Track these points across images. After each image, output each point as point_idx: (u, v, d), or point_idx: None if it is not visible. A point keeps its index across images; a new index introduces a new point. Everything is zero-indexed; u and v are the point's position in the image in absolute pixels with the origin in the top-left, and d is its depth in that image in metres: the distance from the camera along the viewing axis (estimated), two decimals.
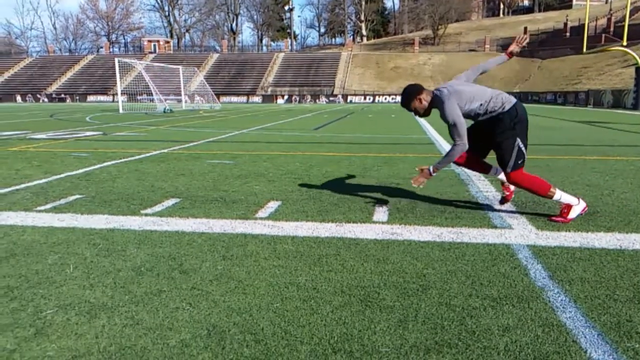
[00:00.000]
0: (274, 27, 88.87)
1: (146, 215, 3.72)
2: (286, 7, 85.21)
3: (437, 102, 3.50)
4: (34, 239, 3.11)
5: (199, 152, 7.74)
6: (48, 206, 3.97)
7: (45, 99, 53.81)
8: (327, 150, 7.99)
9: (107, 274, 2.54)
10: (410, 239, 3.12)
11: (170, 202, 4.13)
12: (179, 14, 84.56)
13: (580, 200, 3.55)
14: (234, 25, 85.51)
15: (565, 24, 58.45)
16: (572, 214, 3.50)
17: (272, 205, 4.02)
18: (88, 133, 11.45)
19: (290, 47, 70.62)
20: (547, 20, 67.89)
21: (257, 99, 52.70)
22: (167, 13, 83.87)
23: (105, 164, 6.34)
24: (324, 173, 5.61)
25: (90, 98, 52.80)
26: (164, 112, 22.82)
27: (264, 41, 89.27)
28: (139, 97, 34.93)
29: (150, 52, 66.36)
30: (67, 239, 3.12)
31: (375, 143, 9.04)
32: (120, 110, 23.62)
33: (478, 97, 3.46)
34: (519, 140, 3.44)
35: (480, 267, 2.64)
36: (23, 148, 8.21)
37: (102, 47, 74.28)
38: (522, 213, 3.76)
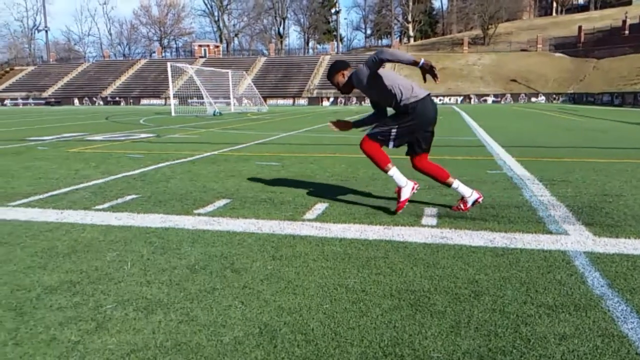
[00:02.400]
0: (320, 30, 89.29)
1: (199, 215, 3.83)
2: (333, 10, 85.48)
3: (355, 74, 3.67)
4: (93, 237, 3.26)
5: (247, 154, 7.88)
6: (106, 205, 4.15)
7: (101, 102, 56.17)
8: None
9: (163, 272, 2.63)
10: (461, 243, 3.07)
11: (221, 203, 4.22)
12: (228, 19, 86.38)
13: (408, 182, 3.78)
14: (281, 29, 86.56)
15: (624, 22, 55.76)
16: (404, 195, 3.74)
17: (319, 207, 4.04)
18: (142, 135, 11.87)
19: (336, 50, 70.74)
20: (604, 18, 64.98)
21: (303, 101, 53.08)
22: (216, 18, 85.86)
23: (160, 165, 6.55)
24: (370, 175, 5.59)
25: (144, 101, 54.69)
26: (214, 115, 23.35)
27: (310, 44, 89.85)
28: (189, 100, 35.95)
29: (201, 57, 68.09)
30: (125, 237, 3.25)
31: None
32: (173, 113, 24.35)
33: (393, 82, 3.66)
34: (397, 125, 3.65)
35: (535, 273, 2.56)
36: (81, 149, 8.60)
37: (154, 52, 76.87)
38: (578, 219, 3.62)
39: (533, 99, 47.89)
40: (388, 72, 3.72)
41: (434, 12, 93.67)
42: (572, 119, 17.91)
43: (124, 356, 1.78)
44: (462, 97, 50.08)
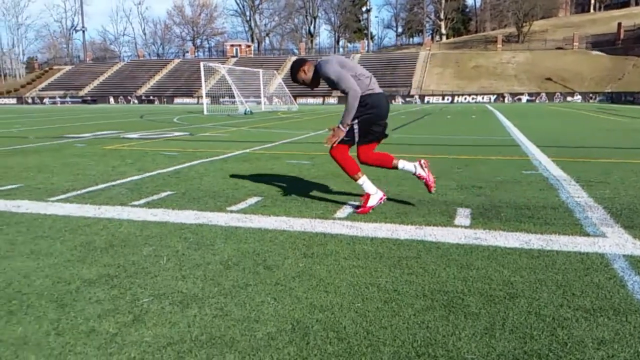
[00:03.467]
0: (350, 29, 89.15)
1: (231, 212, 3.88)
2: (364, 8, 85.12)
3: (318, 69, 3.75)
4: (130, 232, 3.34)
5: (278, 152, 7.93)
6: (142, 201, 4.25)
7: (135, 101, 57.47)
8: (404, 151, 7.89)
9: (198, 267, 2.68)
10: (495, 244, 3.02)
11: (253, 200, 4.27)
12: (260, 19, 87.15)
13: (378, 191, 3.87)
14: (311, 28, 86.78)
15: None
16: (371, 202, 3.82)
17: (350, 206, 4.04)
18: (176, 133, 12.09)
19: (366, 48, 70.45)
20: None
21: (332, 100, 53.08)
22: (248, 18, 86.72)
23: (193, 162, 6.67)
24: (401, 175, 5.54)
25: (177, 100, 55.69)
26: (245, 113, 23.59)
27: (340, 43, 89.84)
28: (221, 99, 36.39)
29: (233, 56, 68.89)
30: (160, 233, 3.32)
31: (455, 145, 8.82)
32: (205, 112, 24.72)
33: (352, 74, 3.70)
34: (357, 120, 3.73)
35: (572, 276, 2.50)
36: (117, 147, 8.82)
37: (187, 52, 78.19)
38: (616, 221, 3.51)
39: (569, 99, 46.68)
40: (349, 64, 3.80)
41: (467, 10, 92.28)
42: (613, 119, 17.38)
43: (161, 349, 1.82)
44: (495, 96, 49.21)
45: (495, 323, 2.01)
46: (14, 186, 4.97)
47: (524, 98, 47.89)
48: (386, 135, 4.05)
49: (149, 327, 2.00)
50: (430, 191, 4.02)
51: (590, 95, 45.86)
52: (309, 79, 3.85)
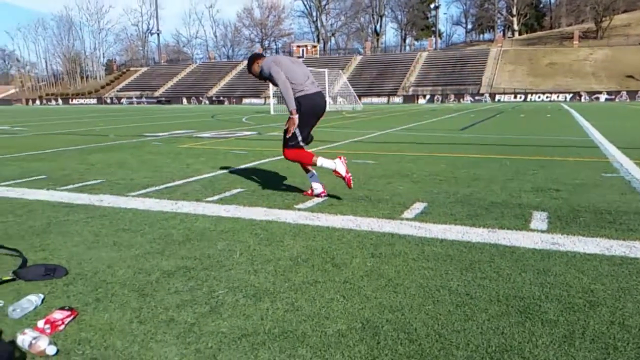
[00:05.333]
0: (418, 26, 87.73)
1: (299, 210, 3.94)
2: (431, 5, 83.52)
3: (264, 69, 4.14)
4: (205, 227, 3.48)
5: (343, 151, 7.96)
6: (215, 198, 4.41)
7: (206, 102, 59.60)
8: (475, 151, 7.68)
9: (269, 262, 2.74)
10: (574, 250, 2.88)
11: (320, 199, 4.31)
12: (326, 19, 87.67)
13: (337, 160, 4.18)
14: (378, 26, 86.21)
15: None
16: (342, 172, 4.15)
17: (418, 207, 3.99)
18: (245, 132, 12.43)
19: (434, 46, 69.04)
20: None
21: (397, 99, 52.51)
22: (314, 18, 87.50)
23: (262, 160, 6.83)
24: (472, 175, 5.41)
25: (245, 101, 57.19)
26: None
27: (407, 41, 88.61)
28: None
29: (299, 57, 69.77)
30: (233, 228, 3.43)
31: (529, 145, 8.46)
32: (272, 112, 25.23)
33: (291, 77, 4.07)
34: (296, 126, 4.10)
35: None
36: (191, 145, 9.20)
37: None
38: None
39: None
40: (288, 65, 4.14)
41: (541, 5, 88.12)
42: None
43: (236, 340, 1.89)
44: (571, 95, 46.74)
45: (575, 332, 1.92)
46: (97, 181, 5.31)
47: (602, 97, 45.10)
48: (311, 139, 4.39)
49: (224, 318, 2.07)
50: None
51: None
52: (257, 72, 4.26)
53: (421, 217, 3.67)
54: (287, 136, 4.17)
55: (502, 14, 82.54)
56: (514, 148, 8.08)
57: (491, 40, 73.88)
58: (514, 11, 77.39)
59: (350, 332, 1.93)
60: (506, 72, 54.74)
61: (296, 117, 4.07)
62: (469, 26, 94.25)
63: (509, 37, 73.92)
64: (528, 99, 47.46)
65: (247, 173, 5.79)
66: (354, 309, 2.14)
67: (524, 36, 74.59)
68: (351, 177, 4.22)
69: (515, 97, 48.34)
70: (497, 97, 48.87)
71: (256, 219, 3.65)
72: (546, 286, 2.36)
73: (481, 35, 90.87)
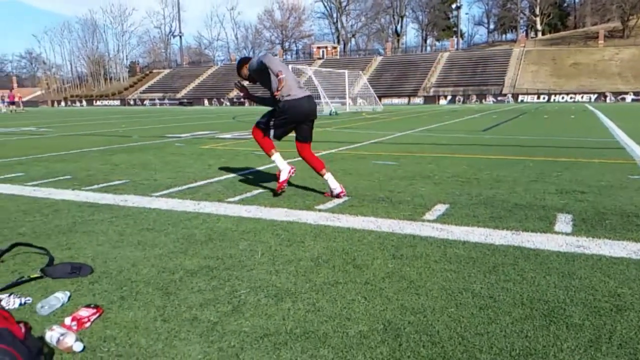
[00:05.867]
0: (439, 27, 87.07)
1: (320, 211, 3.95)
2: (453, 6, 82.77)
3: (252, 63, 4.40)
4: (227, 227, 3.51)
5: (364, 152, 7.95)
6: (236, 198, 4.44)
7: (227, 103, 60.08)
8: (497, 152, 7.59)
9: (290, 262, 2.76)
10: (600, 253, 2.82)
11: (340, 200, 4.31)
12: (346, 20, 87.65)
13: (287, 166, 4.46)
14: (398, 27, 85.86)
15: None
16: (282, 177, 4.39)
17: (440, 208, 3.96)
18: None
19: (455, 46, 68.40)
20: None
21: (418, 100, 52.19)
22: (335, 20, 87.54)
23: None
24: (494, 177, 5.35)
25: None
26: (330, 114, 23.85)
27: (428, 41, 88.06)
28: None
29: (319, 58, 69.90)
30: (254, 228, 3.45)
31: (553, 146, 8.33)
32: None
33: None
34: (273, 118, 4.45)
35: None
36: (213, 146, 9.29)
37: (276, 55, 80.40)
38: None
39: None
40: (279, 67, 4.25)
41: (565, 4, 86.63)
42: None
43: (258, 339, 1.90)
44: (595, 95, 45.85)
45: (601, 336, 1.89)
46: (121, 182, 5.40)
47: (629, 97, 44.11)
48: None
49: (246, 317, 2.09)
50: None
51: None
52: (247, 73, 4.53)
53: (443, 219, 3.64)
54: (263, 119, 4.50)
55: (525, 14, 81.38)
56: (538, 149, 7.96)
57: (513, 41, 72.91)
58: (537, 11, 76.24)
59: (372, 334, 1.93)
60: (529, 72, 53.97)
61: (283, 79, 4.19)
62: (491, 26, 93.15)
63: (532, 37, 72.86)
64: (551, 100, 46.70)
65: (268, 174, 5.82)
66: (375, 311, 2.13)
67: (548, 36, 73.41)
68: (283, 186, 4.47)
69: (538, 97, 47.61)
70: (520, 97, 48.20)
71: (277, 220, 3.67)
72: (571, 290, 2.32)
73: (503, 36, 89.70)
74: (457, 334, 1.93)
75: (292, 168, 4.47)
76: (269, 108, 4.64)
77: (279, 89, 4.17)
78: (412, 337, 1.90)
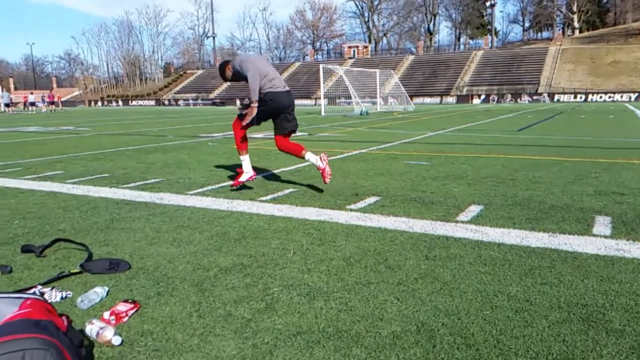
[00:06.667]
0: (473, 25, 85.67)
1: (351, 210, 3.94)
2: (487, 3, 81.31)
3: (234, 65, 4.66)
4: (259, 225, 3.54)
5: (395, 152, 7.90)
6: (268, 197, 4.48)
7: None
8: (533, 153, 7.43)
9: (322, 261, 2.77)
10: None
11: (371, 200, 4.30)
12: (378, 19, 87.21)
13: (251, 171, 4.75)
14: (431, 25, 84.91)
15: None
16: (242, 178, 4.71)
17: (474, 209, 3.90)
18: (296, 134, 12.53)
19: (490, 44, 67.17)
20: None
21: (451, 99, 51.50)
22: (366, 19, 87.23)
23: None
24: (530, 178, 5.23)
25: (296, 102, 57.61)
26: (361, 114, 23.77)
27: (461, 40, 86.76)
28: (337, 100, 37.05)
29: (350, 58, 69.77)
30: (286, 227, 3.48)
31: (591, 147, 8.10)
32: (322, 113, 25.33)
33: (262, 73, 4.52)
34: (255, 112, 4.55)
35: None
36: None
37: (307, 55, 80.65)
38: None
39: None
40: (258, 63, 4.60)
41: (604, 1, 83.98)
42: None
43: (291, 337, 1.91)
44: (636, 95, 44.30)
45: None
46: (157, 180, 5.52)
47: None
48: (294, 130, 4.80)
49: (279, 315, 2.11)
50: (325, 181, 4.60)
51: None
52: (230, 74, 4.72)
53: (477, 220, 3.59)
54: (244, 111, 4.65)
55: (561, 11, 79.31)
56: (575, 150, 7.75)
57: (549, 39, 71.11)
58: (575, 8, 74.16)
59: (405, 335, 1.92)
60: (566, 71, 52.56)
61: (255, 107, 4.48)
62: (526, 24, 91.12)
63: (568, 35, 70.92)
64: (589, 99, 45.37)
65: (299, 173, 5.85)
66: (408, 311, 2.12)
67: (585, 34, 71.32)
68: (238, 185, 4.78)
69: (575, 97, 46.33)
70: (556, 97, 47.00)
71: (308, 219, 3.69)
72: (611, 294, 2.26)
73: (539, 34, 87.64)
74: (492, 336, 1.90)
75: (254, 174, 4.79)
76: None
77: (251, 95, 4.48)
78: (446, 339, 1.88)
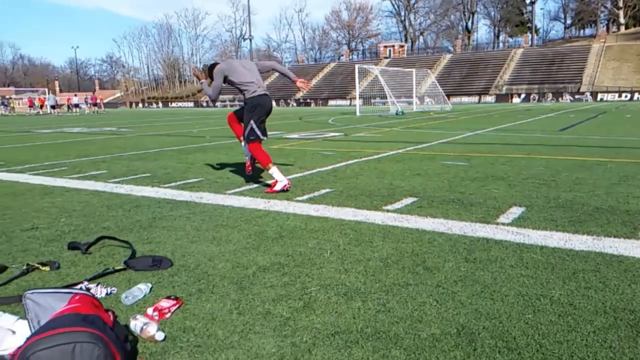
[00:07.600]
0: (512, 23, 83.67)
1: (387, 211, 3.92)
2: (527, 1, 79.30)
3: (215, 70, 4.90)
4: (296, 225, 3.57)
5: (432, 152, 7.80)
6: (305, 197, 4.51)
7: (294, 104, 60.97)
8: (576, 153, 7.21)
9: (359, 262, 2.77)
10: None
11: (408, 201, 4.27)
12: (414, 18, 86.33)
13: (285, 179, 4.72)
14: (469, 23, 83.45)
15: None
16: (277, 188, 4.67)
17: (515, 211, 3.82)
18: (332, 134, 12.58)
19: (530, 42, 65.47)
20: None
21: (489, 98, 50.45)
22: (403, 18, 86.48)
23: (349, 162, 6.88)
24: (573, 179, 5.08)
25: (331, 102, 57.76)
26: (397, 114, 23.59)
27: (500, 38, 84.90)
28: (372, 101, 36.89)
29: (385, 57, 69.29)
30: (322, 227, 3.49)
31: (637, 147, 7.79)
32: (357, 113, 25.28)
33: (243, 79, 4.83)
34: (252, 121, 4.79)
35: None
36: (281, 146, 9.47)
37: (342, 55, 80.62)
38: None
39: None
40: (239, 70, 4.90)
41: None
42: None
43: (329, 336, 1.92)
44: None
45: None
46: (196, 180, 5.63)
47: None
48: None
49: (317, 314, 2.12)
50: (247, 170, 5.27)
51: None
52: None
53: (519, 222, 3.51)
54: (246, 131, 4.83)
55: (606, 7, 76.50)
56: (620, 150, 7.47)
57: (592, 36, 68.74)
58: (621, 3, 71.42)
59: (445, 337, 1.90)
60: (610, 69, 50.70)
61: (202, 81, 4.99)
62: (568, 21, 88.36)
63: (613, 32, 68.38)
64: (634, 98, 43.62)
65: (335, 174, 5.86)
66: (448, 314, 2.10)
67: (632, 30, 68.59)
68: (274, 192, 4.72)
69: (620, 96, 44.61)
70: (600, 96, 45.38)
71: (345, 219, 3.69)
72: None
73: (581, 31, 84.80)
74: (535, 341, 1.86)
75: (288, 183, 4.73)
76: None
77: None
78: (487, 342, 1.85)
